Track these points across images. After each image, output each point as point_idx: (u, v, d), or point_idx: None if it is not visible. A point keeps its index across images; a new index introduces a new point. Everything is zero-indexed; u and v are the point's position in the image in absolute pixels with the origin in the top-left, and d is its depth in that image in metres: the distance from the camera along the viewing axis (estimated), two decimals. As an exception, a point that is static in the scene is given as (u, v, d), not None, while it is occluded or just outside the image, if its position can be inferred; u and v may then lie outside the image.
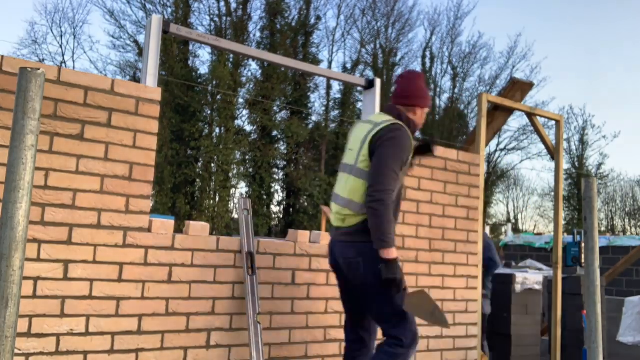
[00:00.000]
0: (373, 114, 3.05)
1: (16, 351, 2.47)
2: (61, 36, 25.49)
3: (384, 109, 3.01)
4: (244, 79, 24.49)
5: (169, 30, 3.12)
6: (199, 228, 3.00)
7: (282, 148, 25.57)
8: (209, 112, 23.71)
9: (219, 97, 23.24)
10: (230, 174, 23.54)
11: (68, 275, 2.59)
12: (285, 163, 25.87)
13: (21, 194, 1.17)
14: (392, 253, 2.61)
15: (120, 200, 2.76)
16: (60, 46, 26.29)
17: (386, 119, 2.85)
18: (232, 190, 23.90)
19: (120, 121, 2.79)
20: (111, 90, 2.78)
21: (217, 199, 23.44)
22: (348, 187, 2.81)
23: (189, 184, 22.57)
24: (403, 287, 2.67)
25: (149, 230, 2.82)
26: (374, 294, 2.74)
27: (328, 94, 27.08)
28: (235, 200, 23.77)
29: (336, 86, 26.78)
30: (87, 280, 2.63)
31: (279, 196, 25.65)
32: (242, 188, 24.35)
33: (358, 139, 2.87)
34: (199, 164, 23.23)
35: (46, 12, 37.72)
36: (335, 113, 27.13)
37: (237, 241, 3.08)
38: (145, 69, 3.01)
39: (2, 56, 2.52)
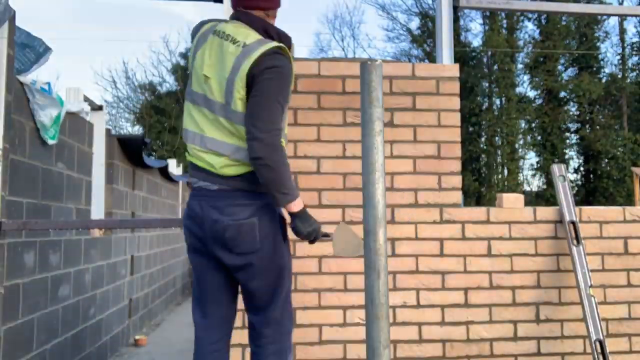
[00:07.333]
0: (224, 23, 2.14)
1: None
2: (342, 39, 28.02)
3: (241, 19, 2.14)
4: (521, 43, 23.09)
5: (458, 4, 3.09)
6: (512, 200, 2.91)
7: (573, 109, 23.31)
8: (487, 84, 23.06)
9: (495, 67, 22.42)
10: (517, 145, 22.52)
11: (395, 251, 2.79)
12: (578, 125, 23.53)
13: (377, 175, 1.30)
14: (300, 203, 2.02)
15: (432, 178, 2.85)
16: (343, 49, 28.88)
17: (256, 38, 2.04)
18: (521, 162, 22.84)
19: (423, 103, 2.88)
20: (412, 75, 2.89)
21: (506, 172, 22.68)
22: (225, 129, 2.05)
23: (474, 160, 22.38)
24: (323, 234, 2.07)
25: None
26: (269, 269, 2.07)
27: (622, 39, 23.61)
28: (525, 172, 22.65)
29: (631, 28, 23.19)
30: (412, 256, 2.80)
31: (574, 162, 23.48)
32: (532, 158, 23.07)
33: (222, 65, 2.04)
34: (482, 139, 22.81)
35: (327, 20, 42.00)
36: (634, 60, 23.49)
37: (555, 211, 2.89)
38: (440, 47, 3.05)
39: (319, 60, 2.84)
